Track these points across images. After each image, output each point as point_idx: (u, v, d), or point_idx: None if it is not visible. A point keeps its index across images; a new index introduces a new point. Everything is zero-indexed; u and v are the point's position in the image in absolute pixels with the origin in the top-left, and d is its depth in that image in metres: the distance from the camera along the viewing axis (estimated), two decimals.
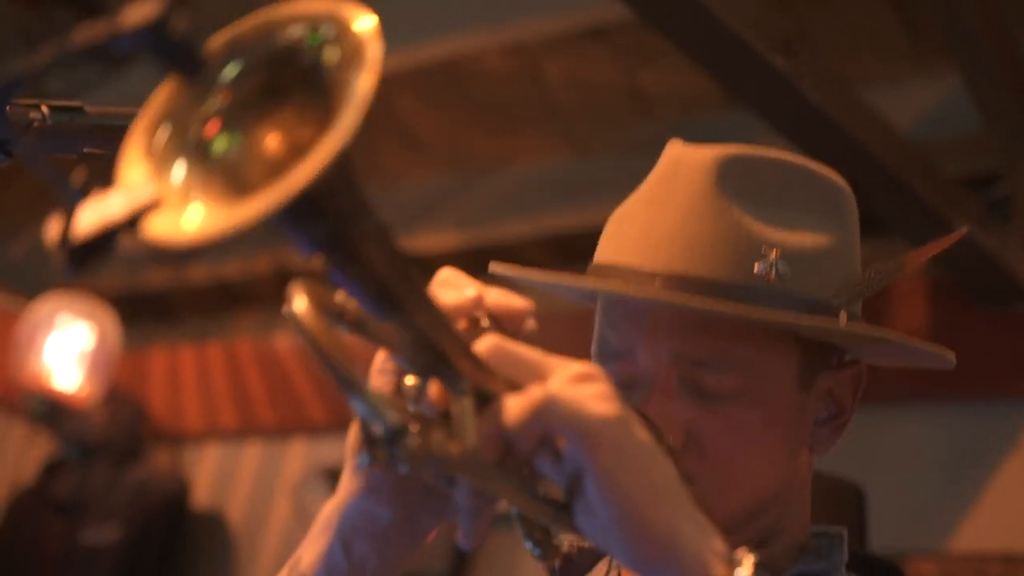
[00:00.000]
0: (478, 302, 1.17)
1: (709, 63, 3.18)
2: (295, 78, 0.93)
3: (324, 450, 5.47)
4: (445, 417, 1.06)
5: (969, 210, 3.92)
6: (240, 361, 5.86)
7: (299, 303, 0.99)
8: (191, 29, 0.90)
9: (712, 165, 1.51)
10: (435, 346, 1.05)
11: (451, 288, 1.17)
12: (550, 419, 1.02)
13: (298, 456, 5.65)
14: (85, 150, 1.28)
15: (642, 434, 1.07)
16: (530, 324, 1.19)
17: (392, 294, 1.01)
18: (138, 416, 5.76)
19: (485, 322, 1.16)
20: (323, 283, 1.02)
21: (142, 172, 0.92)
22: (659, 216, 1.51)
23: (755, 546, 1.42)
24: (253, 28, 0.96)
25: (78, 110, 1.25)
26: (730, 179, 1.51)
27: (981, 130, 4.09)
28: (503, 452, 1.04)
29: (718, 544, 1.07)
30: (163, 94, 0.95)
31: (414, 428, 0.99)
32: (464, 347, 1.07)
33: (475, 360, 1.07)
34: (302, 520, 5.37)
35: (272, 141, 0.93)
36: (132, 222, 0.88)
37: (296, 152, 0.88)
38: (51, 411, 5.48)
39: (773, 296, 1.46)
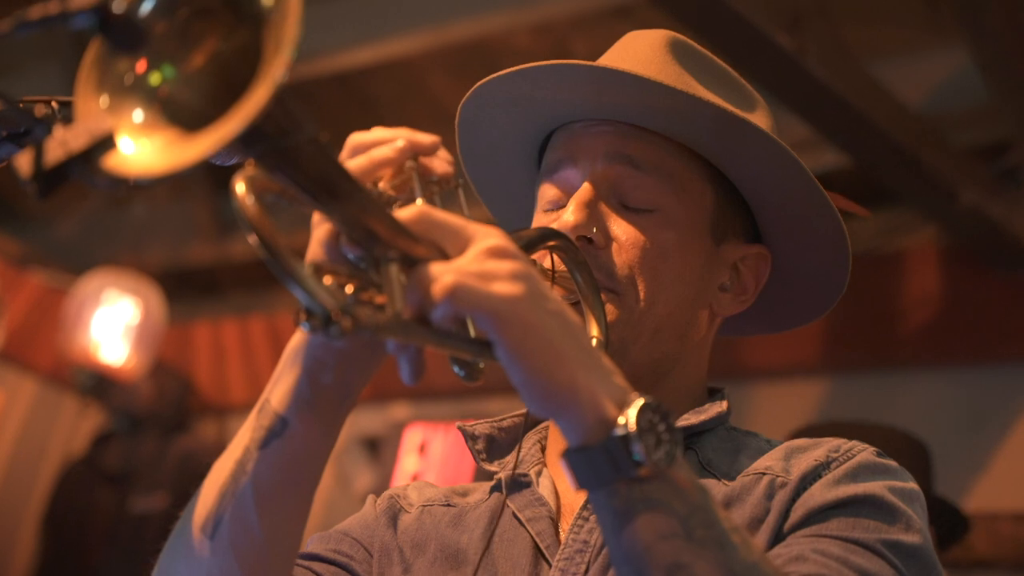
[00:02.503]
0: (405, 151, 1.35)
1: (714, 40, 3.29)
2: (216, 17, 1.08)
3: (363, 419, 5.60)
4: (376, 283, 1.21)
5: (979, 179, 4.03)
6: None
7: (241, 192, 1.13)
8: (130, 8, 1.05)
9: (664, 37, 1.67)
10: (364, 225, 1.19)
11: (376, 144, 1.36)
12: (460, 303, 1.15)
13: None
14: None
15: (549, 304, 1.21)
16: (448, 171, 1.37)
17: (324, 189, 1.17)
18: (184, 388, 5.90)
19: (412, 169, 1.34)
20: (264, 176, 1.16)
21: (99, 109, 1.07)
22: (612, 65, 1.62)
23: (650, 381, 1.58)
24: None
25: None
26: (677, 49, 1.66)
27: (992, 101, 4.17)
28: (425, 314, 1.18)
29: (614, 388, 1.21)
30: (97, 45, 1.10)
31: (345, 304, 1.13)
32: (389, 218, 1.20)
33: (399, 228, 1.20)
34: (343, 486, 5.52)
35: (207, 70, 1.09)
36: (91, 152, 1.04)
37: (232, 79, 1.04)
38: (99, 384, 5.62)
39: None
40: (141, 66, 1.09)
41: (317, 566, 1.60)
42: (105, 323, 5.57)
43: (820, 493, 1.44)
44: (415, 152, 1.37)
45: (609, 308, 1.55)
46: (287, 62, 1.03)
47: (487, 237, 1.22)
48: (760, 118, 1.67)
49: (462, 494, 1.69)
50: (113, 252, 6.14)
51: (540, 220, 1.65)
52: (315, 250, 1.30)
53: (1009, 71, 3.94)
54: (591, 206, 1.58)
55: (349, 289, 1.20)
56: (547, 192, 1.65)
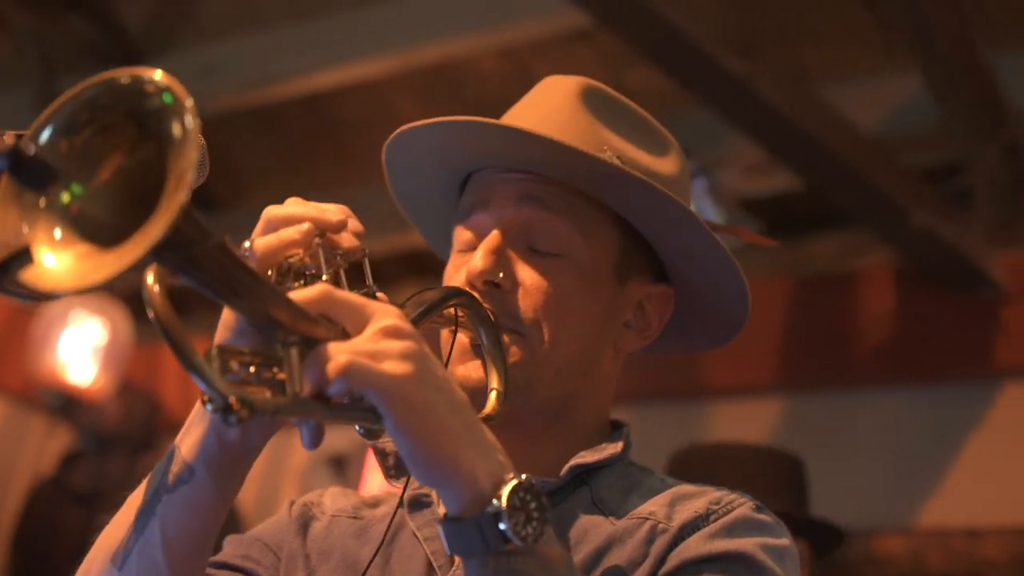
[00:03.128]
0: (311, 234, 1.46)
1: (666, 66, 3.36)
2: (115, 127, 1.17)
3: (329, 438, 5.52)
4: (279, 360, 1.30)
5: (930, 201, 4.10)
6: None
7: (151, 285, 1.22)
8: (40, 152, 1.14)
9: (577, 85, 1.73)
10: (266, 315, 1.29)
11: (287, 222, 1.47)
12: (351, 381, 1.25)
13: (303, 448, 5.81)
14: None
15: (436, 382, 1.31)
16: (352, 243, 1.48)
17: (227, 288, 1.26)
18: (152, 408, 5.92)
19: (318, 241, 1.46)
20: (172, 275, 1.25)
21: (16, 222, 1.16)
22: (524, 117, 1.71)
23: (554, 416, 1.66)
24: (64, 104, 1.18)
25: None
26: (590, 97, 1.73)
27: (944, 124, 4.25)
28: (322, 393, 1.28)
29: (493, 465, 1.31)
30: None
31: (243, 395, 1.22)
32: (290, 307, 1.30)
33: (300, 314, 1.30)
34: None
35: (114, 185, 1.18)
36: (8, 265, 1.13)
37: (139, 193, 1.13)
38: (67, 404, 5.64)
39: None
40: (59, 185, 1.18)
41: (223, 574, 1.68)
42: (73, 344, 5.60)
43: (696, 545, 1.52)
44: (323, 230, 1.47)
45: (514, 350, 1.63)
46: (189, 184, 1.12)
47: (384, 316, 1.32)
48: (668, 162, 1.76)
49: (372, 506, 1.76)
50: None
51: (455, 261, 1.72)
52: (222, 333, 1.42)
53: (959, 94, 4.02)
54: (499, 251, 1.65)
55: (252, 370, 1.29)
56: (461, 235, 1.73)
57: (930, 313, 4.58)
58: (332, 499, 1.80)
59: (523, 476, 1.31)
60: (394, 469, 1.71)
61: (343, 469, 5.58)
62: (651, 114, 1.79)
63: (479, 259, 1.64)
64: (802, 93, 3.64)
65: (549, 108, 1.72)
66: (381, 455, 1.71)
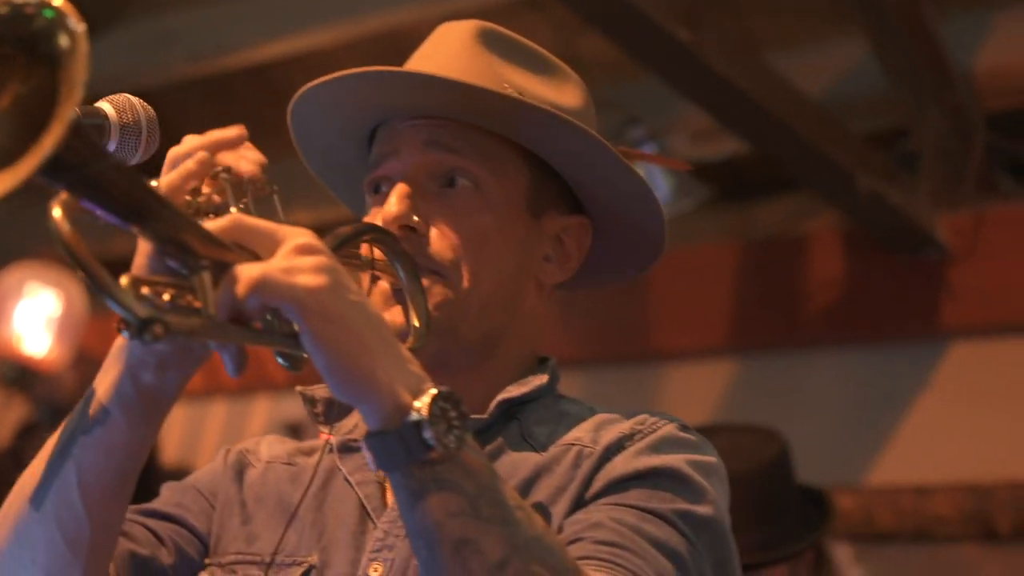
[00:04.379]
0: (209, 164, 1.48)
1: (615, 35, 3.38)
2: (8, 57, 1.18)
3: (286, 407, 5.64)
4: (195, 290, 1.30)
5: (877, 165, 4.15)
6: None
7: (56, 216, 1.23)
8: None
9: (473, 27, 1.75)
10: (175, 240, 1.29)
11: (187, 156, 1.48)
12: (265, 294, 1.25)
13: (261, 413, 5.88)
14: None
15: (351, 295, 1.31)
16: (256, 173, 1.50)
17: (132, 211, 1.27)
18: None
19: (223, 175, 1.48)
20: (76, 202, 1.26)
21: None
22: (424, 62, 1.74)
23: (481, 354, 1.68)
24: None
25: None
26: (487, 38, 1.74)
27: (890, 89, 4.30)
28: (238, 313, 1.29)
29: (410, 377, 1.32)
30: None
31: (157, 313, 1.23)
32: (199, 231, 1.30)
33: (210, 239, 1.30)
34: None
35: (11, 112, 1.19)
36: None
37: (34, 119, 1.14)
38: (22, 376, 5.65)
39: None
40: None
41: (152, 522, 1.69)
42: (27, 315, 5.60)
43: (622, 464, 1.54)
44: (217, 149, 1.49)
45: (436, 290, 1.64)
46: (78, 100, 1.13)
47: (296, 236, 1.32)
48: (570, 95, 1.76)
49: (307, 453, 1.77)
50: (35, 245, 6.15)
51: (370, 213, 1.73)
52: (139, 263, 1.42)
53: (905, 59, 4.07)
54: (411, 196, 1.66)
55: (167, 297, 1.29)
56: (372, 184, 1.74)
57: (877, 275, 4.64)
58: (268, 446, 1.81)
59: (442, 387, 1.32)
60: (323, 416, 1.72)
61: (299, 436, 5.58)
62: (602, 83, 1.80)
63: (392, 205, 1.64)
64: (749, 60, 3.67)
65: (447, 53, 1.73)
66: (309, 402, 1.72)
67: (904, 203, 4.23)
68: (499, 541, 1.30)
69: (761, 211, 4.95)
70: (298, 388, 1.74)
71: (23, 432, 5.86)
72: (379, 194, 1.72)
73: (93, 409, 1.48)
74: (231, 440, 6.13)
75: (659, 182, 4.26)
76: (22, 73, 1.18)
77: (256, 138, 1.76)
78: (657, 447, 1.56)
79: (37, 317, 5.59)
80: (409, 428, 1.29)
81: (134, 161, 1.56)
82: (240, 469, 1.77)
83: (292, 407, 5.59)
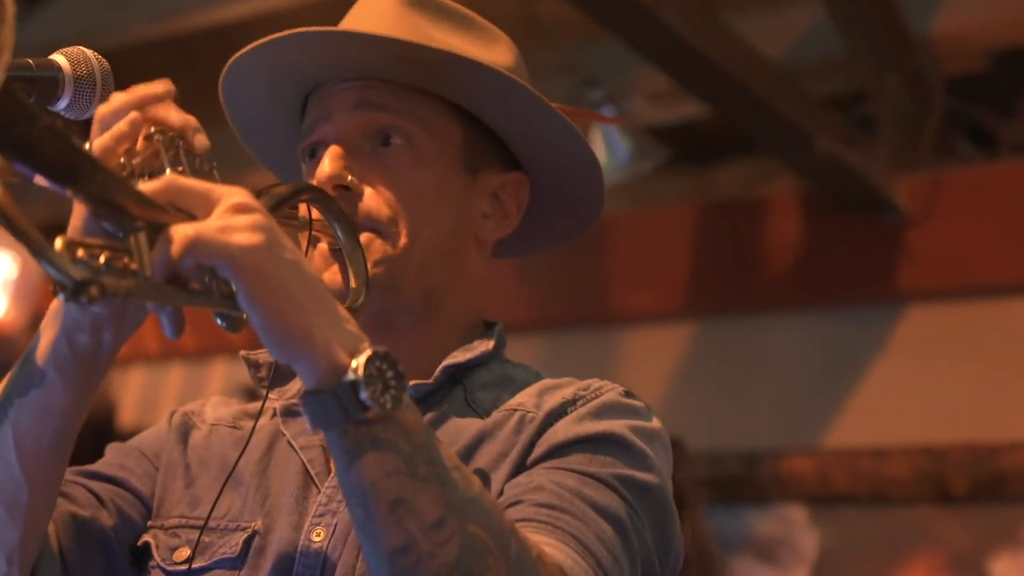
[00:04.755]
0: (138, 123, 1.46)
1: None
2: None
3: (243, 371, 5.62)
4: (130, 252, 1.28)
5: (835, 128, 4.16)
6: None
7: None
8: None
9: None
10: (109, 201, 1.28)
11: (116, 116, 1.46)
12: (200, 253, 1.25)
13: (219, 377, 5.88)
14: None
15: (286, 254, 1.30)
16: (199, 139, 1.48)
17: (63, 173, 1.25)
18: None
19: (157, 136, 1.46)
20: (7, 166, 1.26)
21: None
22: (352, 26, 1.72)
23: (423, 312, 1.67)
24: None
25: None
26: (413, 1, 1.73)
27: (848, 52, 4.30)
28: (174, 274, 1.27)
29: (347, 336, 1.31)
30: None
31: (92, 274, 1.22)
32: (133, 193, 1.29)
33: (145, 200, 1.29)
34: None
35: None
36: None
37: None
38: None
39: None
40: None
41: (94, 484, 1.68)
42: None
43: (564, 429, 1.54)
44: (146, 105, 1.47)
45: (375, 247, 1.63)
46: (5, 64, 1.12)
47: (231, 196, 1.31)
48: (500, 53, 1.76)
49: (252, 415, 1.76)
50: None
51: (305, 176, 1.73)
52: (75, 225, 1.40)
53: (863, 22, 4.08)
54: (345, 156, 1.65)
55: (103, 260, 1.27)
56: (307, 150, 1.73)
57: (835, 238, 4.65)
58: (213, 408, 1.81)
59: (378, 347, 1.31)
60: (266, 380, 1.72)
61: (256, 400, 5.60)
62: (561, 45, 1.80)
63: (325, 166, 1.64)
64: (708, 21, 3.66)
65: (373, 16, 1.72)
66: (253, 366, 1.72)
67: (862, 166, 4.24)
68: (435, 500, 1.30)
69: (720, 174, 4.96)
70: (241, 353, 1.74)
71: None
72: (314, 159, 1.71)
73: (29, 371, 1.47)
74: (189, 402, 6.18)
75: (617, 144, 4.26)
76: None
77: (215, 101, 1.76)
78: (599, 413, 1.56)
79: None
80: (344, 387, 1.28)
81: (88, 114, 1.53)
82: (185, 431, 1.76)
83: (247, 372, 5.60)
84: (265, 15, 4.96)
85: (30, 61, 1.48)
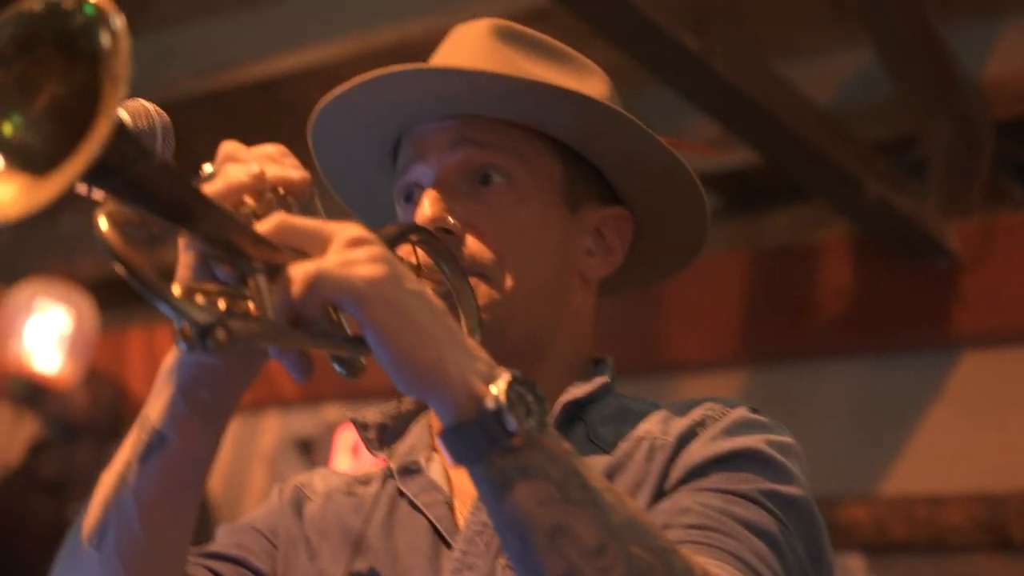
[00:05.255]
0: (261, 177, 1.39)
1: (623, 44, 3.37)
2: (46, 56, 1.15)
3: (296, 422, 5.65)
4: (247, 297, 1.27)
5: (885, 173, 4.14)
6: None
7: (103, 226, 1.19)
8: None
9: (488, 25, 1.71)
10: (224, 242, 1.26)
11: (237, 165, 1.40)
12: (323, 289, 1.22)
13: (272, 429, 5.86)
14: None
15: (410, 284, 1.27)
16: (307, 191, 1.43)
17: (178, 213, 1.23)
18: (118, 395, 5.91)
19: (271, 194, 1.39)
20: (123, 207, 1.23)
21: None
22: (444, 63, 1.69)
23: (532, 354, 1.63)
24: None
25: None
26: (503, 34, 1.70)
27: (896, 97, 4.28)
28: (296, 315, 1.25)
29: (481, 365, 1.28)
30: None
31: (217, 318, 1.19)
32: (249, 232, 1.27)
33: (260, 240, 1.27)
34: None
35: (51, 114, 1.16)
36: None
37: (75, 120, 1.11)
38: (33, 393, 5.62)
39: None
40: None
41: (215, 564, 1.64)
42: (38, 332, 5.57)
43: (698, 450, 1.50)
44: (263, 160, 1.42)
45: (481, 291, 1.59)
46: (121, 98, 1.09)
47: (346, 231, 1.28)
48: (594, 85, 1.72)
49: (364, 483, 1.72)
50: (44, 261, 6.16)
51: (402, 216, 1.70)
52: (184, 274, 1.36)
53: (912, 67, 4.06)
54: (444, 198, 1.62)
55: (222, 305, 1.25)
56: (403, 191, 1.70)
57: (888, 283, 4.62)
58: (323, 479, 1.76)
59: (514, 371, 1.27)
60: (376, 441, 1.67)
61: (310, 453, 5.60)
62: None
63: (426, 209, 1.60)
64: (756, 68, 3.67)
65: (465, 51, 1.69)
66: (362, 427, 1.67)
67: (913, 210, 4.22)
68: (593, 525, 1.25)
69: (770, 220, 4.94)
70: (348, 414, 1.69)
71: (34, 450, 5.87)
72: (411, 202, 1.68)
73: (146, 434, 1.43)
74: (242, 457, 6.18)
75: None
76: (60, 73, 1.14)
77: None
78: (731, 430, 1.51)
79: (47, 334, 5.57)
80: (487, 416, 1.24)
81: None
82: (298, 504, 1.72)
83: (302, 423, 5.59)
84: (312, 69, 4.99)
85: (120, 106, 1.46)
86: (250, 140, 1.50)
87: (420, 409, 1.74)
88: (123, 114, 1.49)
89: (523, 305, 1.62)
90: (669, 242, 1.80)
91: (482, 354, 1.31)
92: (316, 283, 1.22)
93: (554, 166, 1.68)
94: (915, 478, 4.52)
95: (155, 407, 1.43)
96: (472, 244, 1.61)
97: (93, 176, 1.11)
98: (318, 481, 1.76)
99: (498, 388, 1.25)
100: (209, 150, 1.45)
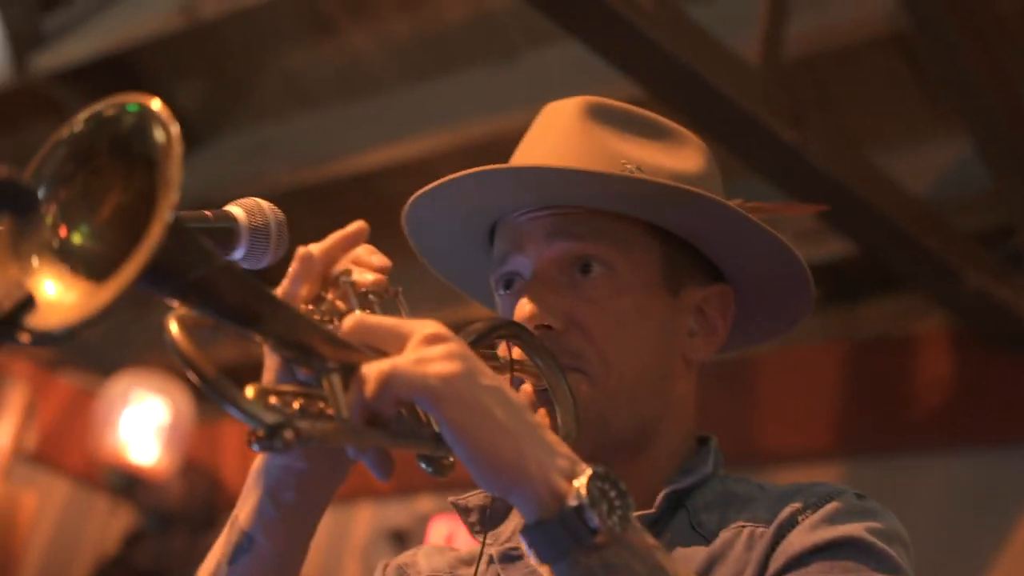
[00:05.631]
0: (346, 274, 1.40)
1: (718, 136, 3.39)
2: (105, 165, 1.15)
3: (389, 513, 5.66)
4: (322, 396, 1.26)
5: (984, 263, 4.11)
6: None
7: (173, 331, 1.18)
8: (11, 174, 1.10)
9: (581, 103, 1.68)
10: (297, 343, 1.25)
11: (314, 262, 1.42)
12: (398, 389, 1.20)
13: (365, 520, 5.86)
14: None
15: (486, 380, 1.25)
16: (379, 279, 1.41)
17: (247, 316, 1.22)
18: (213, 486, 5.97)
19: (344, 279, 1.40)
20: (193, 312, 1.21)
21: (15, 275, 1.13)
22: (536, 147, 1.67)
23: (636, 445, 1.60)
24: (49, 147, 1.17)
25: None
26: (596, 113, 1.67)
27: (995, 186, 4.25)
28: (372, 414, 1.23)
29: (562, 460, 1.25)
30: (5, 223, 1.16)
31: (285, 419, 1.17)
32: (321, 333, 1.26)
33: (334, 340, 1.26)
34: None
35: (115, 221, 1.15)
36: (15, 314, 1.10)
37: (137, 225, 1.10)
38: (130, 484, 5.70)
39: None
40: (57, 229, 1.16)
41: None
42: (134, 423, 5.64)
43: (799, 539, 1.46)
44: (337, 254, 1.44)
45: (582, 389, 1.57)
46: (173, 204, 1.08)
47: (423, 328, 1.27)
48: (689, 158, 1.70)
49: (468, 563, 1.70)
50: (141, 353, 6.24)
51: (501, 306, 1.68)
52: (267, 377, 1.37)
53: (1009, 156, 4.04)
54: (542, 292, 1.60)
55: (296, 405, 1.24)
56: (502, 280, 1.69)
57: (988, 375, 4.56)
58: (426, 558, 1.74)
59: (596, 466, 1.25)
60: (478, 524, 1.66)
61: (404, 544, 5.60)
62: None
63: (524, 306, 1.59)
64: (853, 159, 3.67)
65: (556, 135, 1.67)
66: (463, 511, 1.66)
67: (1013, 301, 4.18)
68: None
69: (867, 311, 4.91)
70: (450, 499, 1.68)
71: (130, 540, 5.92)
72: (509, 291, 1.67)
73: (235, 536, 1.44)
74: (335, 548, 6.18)
75: None
76: (121, 180, 1.15)
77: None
78: (833, 518, 1.47)
79: (144, 425, 5.64)
80: (569, 513, 1.22)
81: (262, 264, 1.52)
82: None
83: (396, 514, 5.60)
84: (407, 162, 5.04)
85: (206, 213, 1.47)
86: (363, 220, 1.50)
87: None
88: (237, 211, 1.51)
89: (625, 398, 1.60)
90: (771, 312, 1.77)
91: (564, 449, 1.28)
92: (389, 381, 1.21)
93: (653, 249, 1.65)
94: (1018, 574, 4.42)
95: (244, 509, 1.44)
96: (572, 338, 1.59)
97: (151, 281, 1.10)
98: (422, 560, 1.74)
99: (580, 484, 1.23)
100: (305, 243, 1.46)
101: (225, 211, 1.50)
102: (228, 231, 1.48)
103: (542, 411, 1.55)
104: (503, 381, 1.29)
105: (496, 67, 4.85)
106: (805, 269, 1.70)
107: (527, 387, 1.58)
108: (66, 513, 6.39)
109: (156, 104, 1.12)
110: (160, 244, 1.06)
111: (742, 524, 1.53)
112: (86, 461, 6.09)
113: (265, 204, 1.53)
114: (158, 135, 1.10)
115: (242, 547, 1.43)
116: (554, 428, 1.52)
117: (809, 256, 4.59)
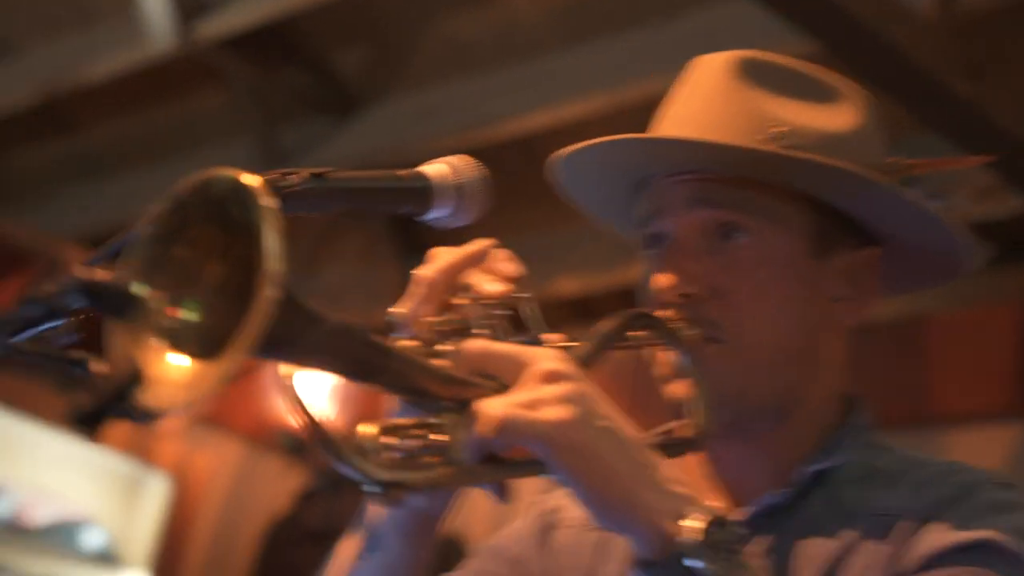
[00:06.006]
0: (469, 289, 1.39)
1: (893, 92, 3.33)
2: (201, 236, 1.13)
3: None
4: (441, 428, 1.27)
5: None
6: None
7: (296, 391, 1.19)
8: (115, 280, 1.11)
9: (732, 59, 1.62)
10: (410, 388, 1.28)
11: (432, 279, 1.41)
12: (509, 435, 1.21)
13: None
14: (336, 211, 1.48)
15: (600, 422, 1.25)
16: (504, 292, 1.40)
17: (360, 370, 1.25)
18: None
19: (467, 299, 1.39)
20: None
21: (130, 349, 1.13)
22: (683, 108, 1.64)
23: (778, 416, 1.56)
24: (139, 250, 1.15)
25: (325, 176, 1.39)
26: (747, 70, 1.62)
27: None
28: (487, 454, 1.24)
29: (670, 502, 1.25)
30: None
31: (394, 478, 1.19)
32: (434, 374, 1.27)
33: (448, 379, 1.28)
34: None
35: (220, 293, 1.13)
36: (126, 391, 1.10)
37: (242, 296, 1.07)
38: (301, 444, 5.79)
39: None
40: (166, 308, 1.15)
41: None
42: (305, 384, 5.70)
43: (937, 538, 1.43)
44: (462, 267, 1.42)
45: (719, 361, 1.54)
46: (278, 275, 1.05)
47: (540, 361, 1.27)
48: (843, 114, 1.64)
49: None
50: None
51: (648, 265, 1.64)
52: (389, 407, 1.38)
53: None
54: (682, 259, 1.58)
55: (414, 439, 1.26)
56: (646, 239, 1.65)
57: None
58: (575, 504, 1.68)
59: (706, 508, 1.26)
60: None
61: None
62: None
63: (664, 274, 1.57)
64: None
65: (705, 94, 1.63)
66: None
67: None
68: None
69: None
70: None
71: (302, 499, 6.02)
72: (653, 250, 1.63)
73: (368, 533, 1.48)
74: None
75: None
76: (220, 250, 1.13)
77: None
78: (972, 516, 1.43)
79: (316, 386, 5.72)
80: (675, 559, 1.23)
81: (463, 222, 1.50)
82: (545, 530, 1.71)
83: None
84: (564, 126, 5.04)
85: (400, 173, 1.46)
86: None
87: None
88: (434, 170, 1.48)
89: (764, 369, 1.56)
90: (923, 270, 1.70)
91: (677, 488, 1.28)
92: (502, 429, 1.21)
93: (801, 216, 1.60)
94: None
95: (374, 508, 1.47)
96: (712, 307, 1.56)
97: (263, 353, 1.09)
98: (571, 503, 1.69)
99: (687, 526, 1.24)
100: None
101: (418, 171, 1.49)
102: (422, 190, 1.48)
103: (682, 382, 1.54)
104: (619, 418, 1.29)
105: (657, 27, 4.82)
106: (965, 238, 1.63)
107: (670, 355, 1.56)
108: (239, 473, 6.52)
109: (250, 179, 1.09)
110: (268, 320, 1.05)
111: (881, 512, 1.50)
112: (259, 423, 6.21)
113: (461, 163, 1.49)
114: (251, 206, 1.08)
115: (373, 543, 1.47)
116: (693, 400, 1.52)
117: (986, 213, 4.51)
